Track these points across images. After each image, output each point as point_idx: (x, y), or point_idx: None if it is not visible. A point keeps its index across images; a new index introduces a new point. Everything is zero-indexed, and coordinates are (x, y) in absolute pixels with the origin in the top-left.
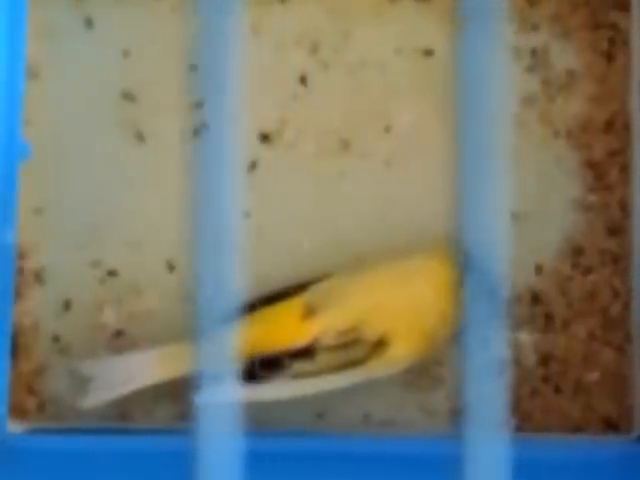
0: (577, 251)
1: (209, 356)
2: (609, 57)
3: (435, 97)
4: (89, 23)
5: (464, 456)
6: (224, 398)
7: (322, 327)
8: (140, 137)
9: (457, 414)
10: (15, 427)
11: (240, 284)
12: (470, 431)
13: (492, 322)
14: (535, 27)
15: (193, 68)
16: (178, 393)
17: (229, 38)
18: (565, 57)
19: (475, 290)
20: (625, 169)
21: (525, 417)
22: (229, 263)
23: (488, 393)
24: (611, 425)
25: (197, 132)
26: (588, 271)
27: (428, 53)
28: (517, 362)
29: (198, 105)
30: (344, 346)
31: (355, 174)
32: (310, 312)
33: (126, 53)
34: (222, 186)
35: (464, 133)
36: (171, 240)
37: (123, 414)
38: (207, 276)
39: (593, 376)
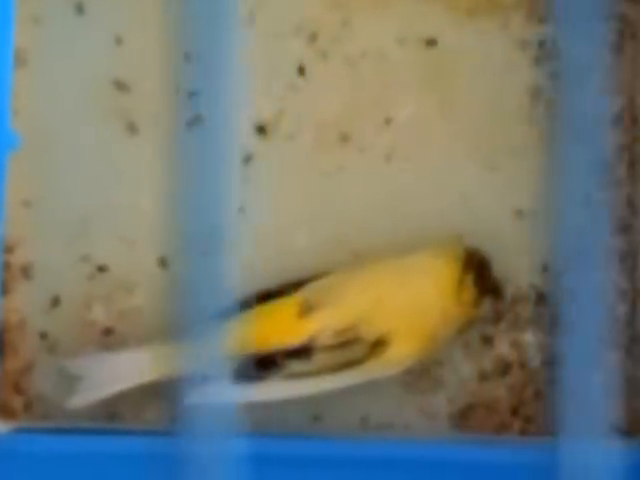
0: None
1: (201, 355)
2: (617, 49)
3: (438, 89)
4: (80, 8)
5: (559, 465)
6: (217, 398)
7: (319, 325)
8: (133, 128)
9: (457, 417)
10: (1, 427)
11: (233, 281)
12: (568, 438)
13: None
14: (542, 19)
15: (187, 57)
16: (168, 393)
17: (224, 25)
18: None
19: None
20: (633, 165)
21: (529, 420)
22: (222, 259)
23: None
24: (618, 429)
25: (191, 124)
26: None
27: (431, 43)
28: (521, 363)
29: (192, 95)
30: (342, 345)
31: (354, 168)
32: (307, 310)
33: (118, 40)
34: (216, 180)
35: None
36: (163, 236)
37: (112, 414)
38: (199, 273)
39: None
